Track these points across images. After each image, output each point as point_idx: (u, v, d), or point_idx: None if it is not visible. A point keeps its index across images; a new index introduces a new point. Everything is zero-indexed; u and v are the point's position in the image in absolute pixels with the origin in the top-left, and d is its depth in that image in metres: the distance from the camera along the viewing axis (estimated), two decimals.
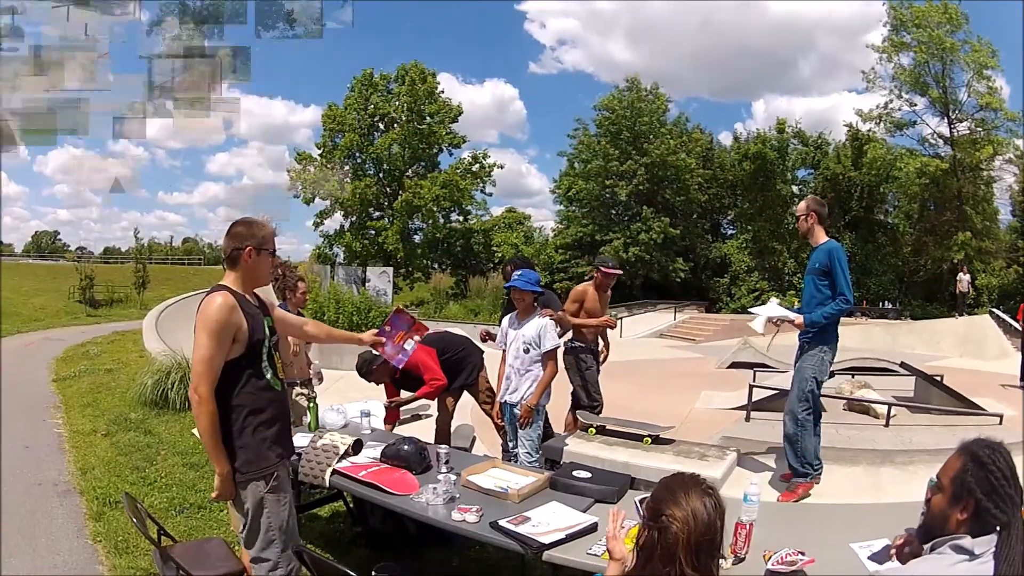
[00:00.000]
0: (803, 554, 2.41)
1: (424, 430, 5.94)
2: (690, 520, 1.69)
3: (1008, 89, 31.16)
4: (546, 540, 2.60)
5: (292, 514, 2.86)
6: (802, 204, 5.05)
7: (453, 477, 3.19)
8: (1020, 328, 12.64)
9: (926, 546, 1.77)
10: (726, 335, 21.62)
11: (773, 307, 5.24)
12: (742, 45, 59.73)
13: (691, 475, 1.83)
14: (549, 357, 4.55)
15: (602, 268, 5.95)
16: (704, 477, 1.83)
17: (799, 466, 4.96)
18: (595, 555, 2.53)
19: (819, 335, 4.89)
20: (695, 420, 8.10)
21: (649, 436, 5.27)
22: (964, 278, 23.14)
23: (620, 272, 6.09)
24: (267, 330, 2.84)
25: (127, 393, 8.93)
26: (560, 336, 4.78)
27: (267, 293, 3.07)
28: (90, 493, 5.23)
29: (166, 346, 10.12)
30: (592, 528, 2.75)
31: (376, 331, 3.69)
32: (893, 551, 2.03)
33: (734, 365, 14.45)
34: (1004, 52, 30.17)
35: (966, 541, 1.64)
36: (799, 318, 4.86)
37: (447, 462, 3.42)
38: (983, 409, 8.64)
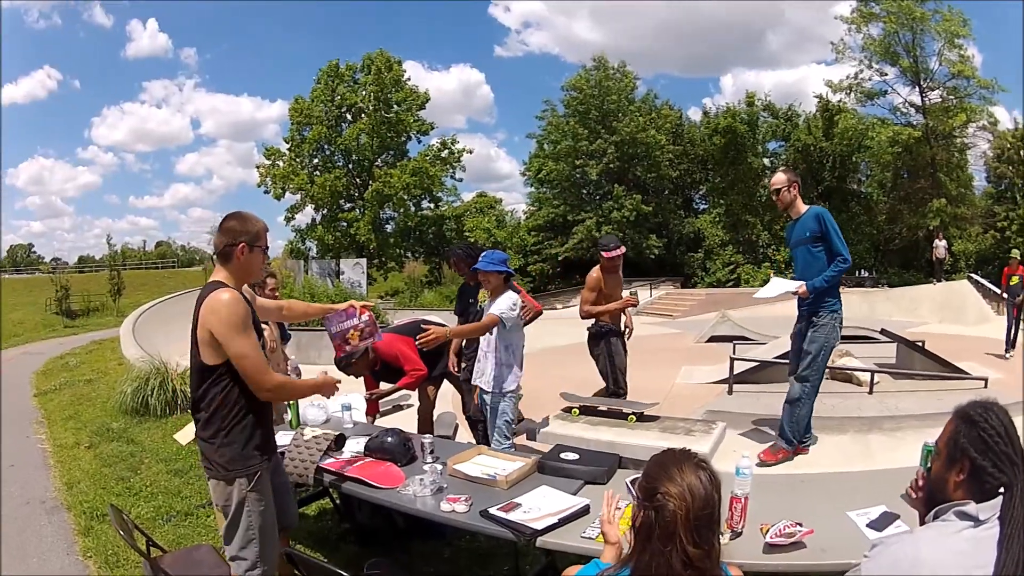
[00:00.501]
0: (801, 525, 2.39)
1: (406, 420, 5.87)
2: (687, 495, 1.63)
3: (980, 57, 31.42)
4: (538, 526, 2.55)
5: (272, 515, 2.82)
6: (782, 176, 4.98)
7: (439, 467, 3.13)
8: (1003, 293, 12.48)
9: (930, 514, 1.73)
10: (703, 310, 21.74)
11: (775, 285, 5.19)
12: (710, 19, 60.01)
13: (682, 450, 1.77)
14: (488, 316, 4.37)
15: (604, 253, 5.84)
16: (695, 451, 1.78)
17: (790, 433, 4.99)
18: (589, 538, 2.49)
19: (826, 302, 4.85)
20: (677, 395, 8.09)
21: (633, 414, 5.23)
22: (940, 244, 23.32)
23: (622, 250, 5.91)
24: (259, 328, 2.84)
25: (108, 403, 8.80)
26: (521, 318, 4.59)
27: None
28: (77, 508, 5.14)
29: (144, 352, 9.98)
30: (584, 511, 2.71)
31: (348, 305, 3.61)
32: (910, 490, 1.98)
33: (713, 339, 14.54)
34: (975, 21, 30.40)
35: (970, 507, 1.59)
36: (802, 287, 4.78)
37: (432, 451, 3.36)
38: (967, 373, 8.71)
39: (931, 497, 1.79)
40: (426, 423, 5.52)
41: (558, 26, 68.60)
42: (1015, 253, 12.16)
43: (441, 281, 34.12)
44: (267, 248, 2.86)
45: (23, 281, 41.50)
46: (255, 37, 69.87)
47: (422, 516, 2.85)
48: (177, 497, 5.18)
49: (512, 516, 2.62)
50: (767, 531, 2.38)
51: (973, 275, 21.92)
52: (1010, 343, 11.64)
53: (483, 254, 4.56)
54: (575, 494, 2.89)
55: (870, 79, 33.17)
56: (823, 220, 4.78)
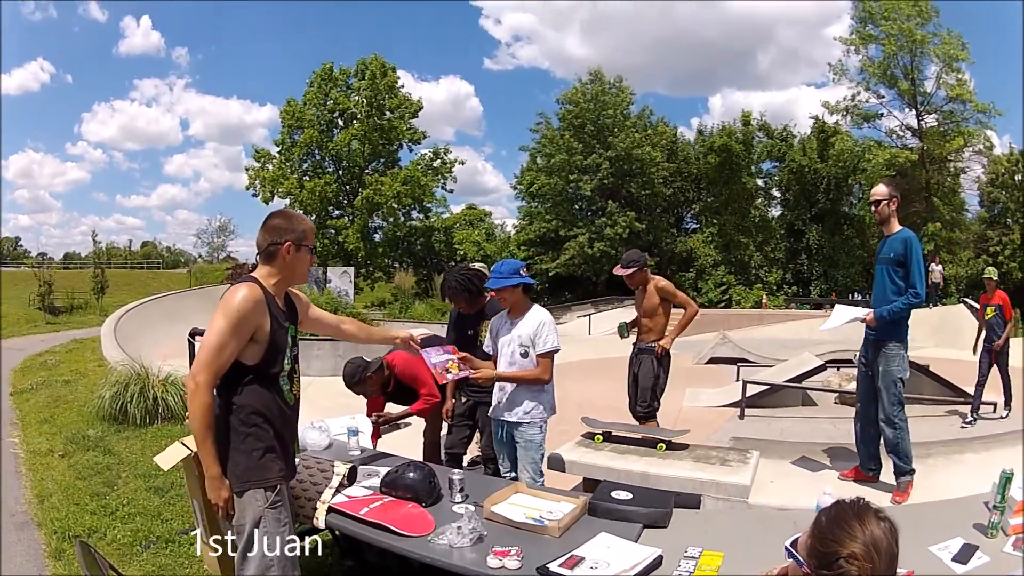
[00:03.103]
0: None
1: (406, 443, 5.40)
2: (872, 554, 1.37)
3: (973, 81, 31.64)
4: None
5: (293, 542, 2.54)
6: (883, 188, 4.75)
7: (472, 508, 2.63)
8: (978, 333, 8.83)
9: None
10: (697, 329, 21.43)
11: (842, 313, 5.01)
12: (699, 38, 60.38)
13: (856, 499, 1.48)
14: (543, 360, 3.73)
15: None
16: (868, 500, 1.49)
17: (905, 466, 4.81)
18: None
19: (896, 331, 4.70)
20: (686, 420, 7.73)
21: (663, 442, 4.87)
22: (936, 268, 23.41)
23: (625, 271, 5.85)
24: (290, 339, 2.63)
25: (85, 407, 8.30)
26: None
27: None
28: (48, 526, 4.65)
29: (125, 354, 9.51)
30: (657, 563, 2.29)
31: (408, 336, 3.36)
32: None
33: (712, 360, 14.29)
34: (973, 45, 30.70)
35: None
36: (870, 314, 4.66)
37: (462, 490, 2.90)
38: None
39: None
40: (433, 448, 5.03)
41: (548, 40, 69.22)
42: (990, 272, 8.96)
43: (431, 293, 33.67)
44: (314, 248, 2.71)
45: (8, 274, 40.72)
46: (246, 40, 69.43)
47: (463, 573, 2.34)
48: (157, 520, 4.69)
49: (579, 574, 2.18)
50: None
51: (966, 299, 21.85)
52: (1007, 399, 8.14)
53: (492, 269, 3.92)
54: (636, 541, 2.48)
55: (867, 101, 33.41)
56: (909, 246, 4.57)
